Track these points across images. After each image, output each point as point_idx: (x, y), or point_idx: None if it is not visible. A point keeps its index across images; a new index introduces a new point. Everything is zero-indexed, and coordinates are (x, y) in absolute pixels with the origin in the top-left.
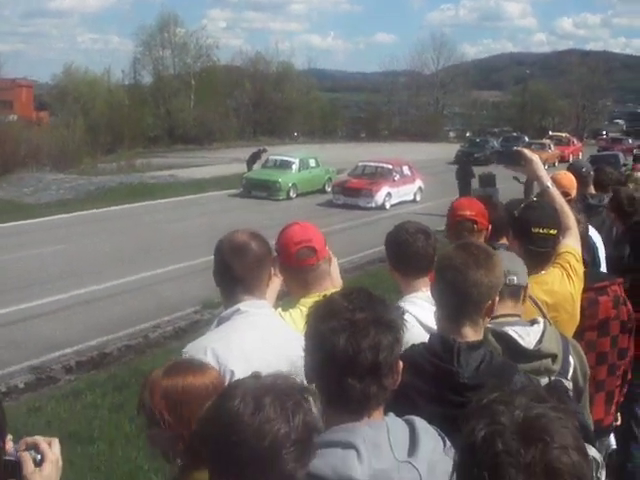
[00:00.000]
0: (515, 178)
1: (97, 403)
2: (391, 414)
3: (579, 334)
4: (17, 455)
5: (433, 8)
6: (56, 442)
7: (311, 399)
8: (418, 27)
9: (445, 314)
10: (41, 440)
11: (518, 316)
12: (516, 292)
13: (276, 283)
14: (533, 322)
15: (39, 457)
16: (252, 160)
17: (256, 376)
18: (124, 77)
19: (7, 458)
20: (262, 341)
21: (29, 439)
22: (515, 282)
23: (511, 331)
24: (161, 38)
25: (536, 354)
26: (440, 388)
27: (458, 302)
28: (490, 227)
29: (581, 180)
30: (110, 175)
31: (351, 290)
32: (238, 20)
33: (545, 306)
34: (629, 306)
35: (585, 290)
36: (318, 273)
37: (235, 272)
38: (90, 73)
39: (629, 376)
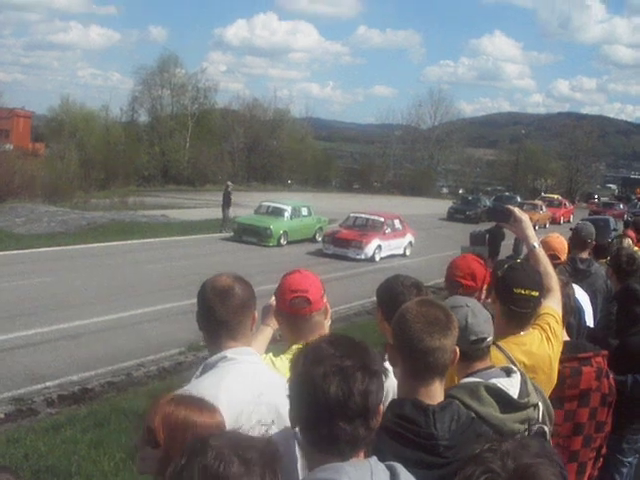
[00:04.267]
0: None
1: (77, 438)
2: (374, 457)
3: (558, 402)
4: None
5: (432, 63)
6: None
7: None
8: (416, 82)
9: (412, 373)
10: None
11: (493, 366)
12: (489, 349)
13: (267, 332)
14: (508, 371)
15: None
16: (227, 203)
17: (226, 431)
18: (122, 114)
19: None
20: (249, 390)
21: None
22: (489, 341)
23: (499, 384)
24: (161, 78)
25: (525, 405)
26: (420, 452)
27: (428, 364)
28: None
29: (580, 244)
30: (102, 211)
31: (335, 337)
32: (238, 65)
33: (523, 367)
34: (611, 380)
35: (569, 360)
36: (312, 324)
37: (218, 316)
38: (87, 108)
39: (603, 450)
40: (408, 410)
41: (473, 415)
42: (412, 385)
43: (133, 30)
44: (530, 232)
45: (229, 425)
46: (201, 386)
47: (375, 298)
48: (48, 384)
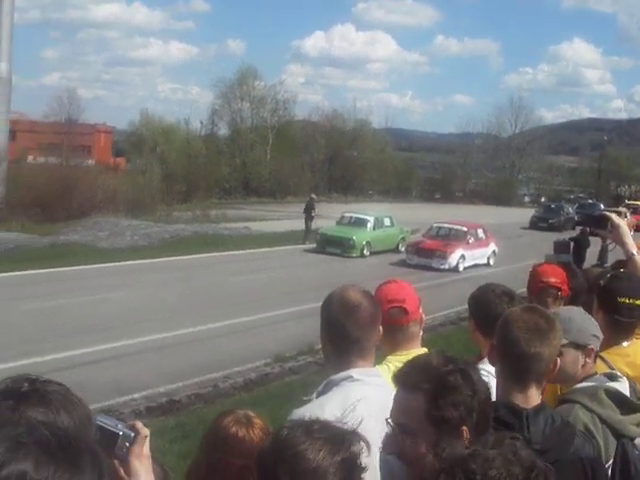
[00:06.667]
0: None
1: (165, 449)
2: None
3: None
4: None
5: (511, 71)
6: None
7: (362, 444)
8: (496, 89)
9: (509, 375)
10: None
11: (596, 373)
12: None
13: None
14: (612, 377)
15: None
16: (309, 215)
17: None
18: (202, 128)
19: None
20: (372, 414)
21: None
22: (597, 348)
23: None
24: (240, 91)
25: None
26: None
27: (523, 369)
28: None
29: None
30: (184, 224)
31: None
32: (317, 76)
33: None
34: None
35: None
36: (408, 334)
37: (349, 333)
38: (166, 121)
39: None
40: (502, 413)
41: (569, 420)
42: (508, 387)
43: (211, 44)
44: (629, 239)
45: None
46: (326, 407)
47: (459, 308)
48: (135, 396)
